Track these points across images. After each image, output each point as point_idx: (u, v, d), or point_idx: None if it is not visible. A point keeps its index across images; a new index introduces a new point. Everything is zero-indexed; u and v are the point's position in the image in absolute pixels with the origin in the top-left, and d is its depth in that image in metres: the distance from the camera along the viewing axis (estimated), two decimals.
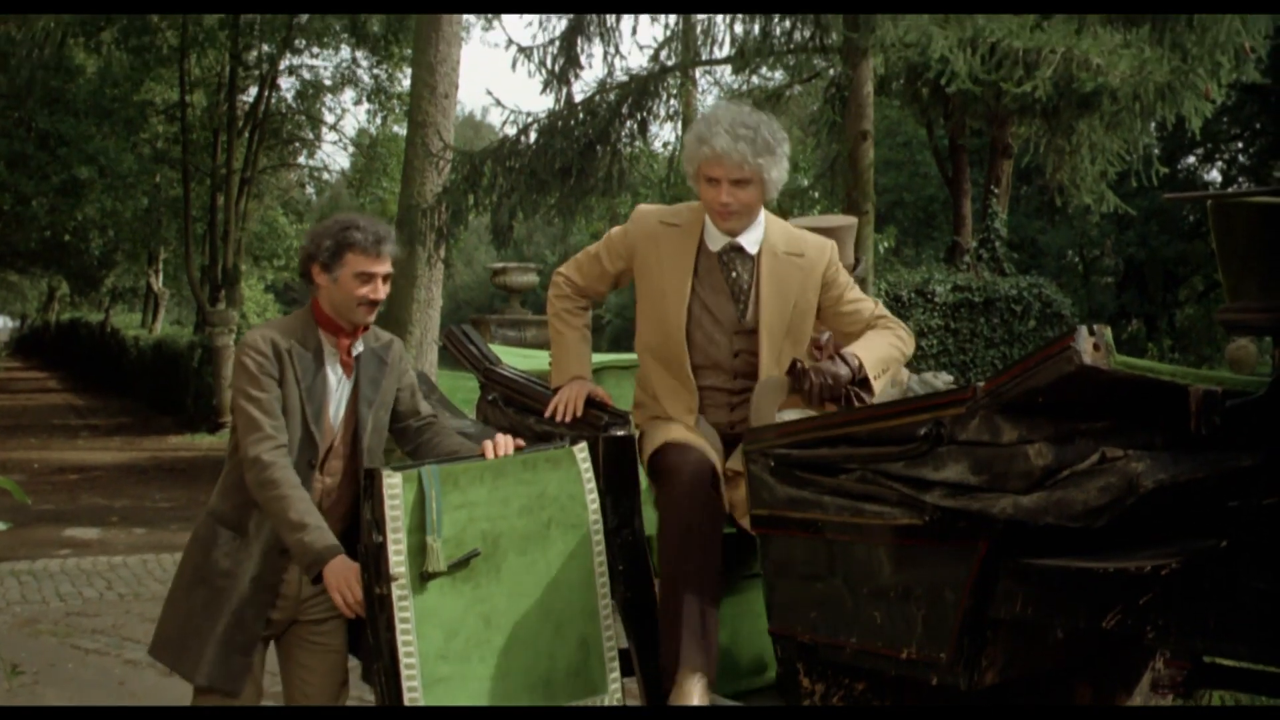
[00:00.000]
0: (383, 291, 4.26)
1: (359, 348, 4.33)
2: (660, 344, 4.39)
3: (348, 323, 4.26)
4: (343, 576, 3.98)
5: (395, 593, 3.79)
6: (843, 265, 4.58)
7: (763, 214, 4.37)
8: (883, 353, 4.26)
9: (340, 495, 4.29)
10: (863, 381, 4.13)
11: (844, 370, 4.11)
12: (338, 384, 4.29)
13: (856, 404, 4.04)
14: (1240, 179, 29.09)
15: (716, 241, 4.34)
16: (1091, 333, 2.80)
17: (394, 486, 3.82)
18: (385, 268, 4.26)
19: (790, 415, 4.10)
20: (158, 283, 40.14)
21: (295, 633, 4.31)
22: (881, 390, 4.28)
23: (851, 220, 5.16)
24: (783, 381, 4.21)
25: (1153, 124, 15.21)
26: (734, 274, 4.35)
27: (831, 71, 14.24)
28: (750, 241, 4.34)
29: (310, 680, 4.31)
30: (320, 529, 4.02)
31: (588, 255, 4.58)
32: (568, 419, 4.40)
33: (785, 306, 4.38)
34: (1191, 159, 30.08)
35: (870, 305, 4.50)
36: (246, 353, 4.15)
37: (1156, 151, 15.72)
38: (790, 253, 4.38)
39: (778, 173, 4.23)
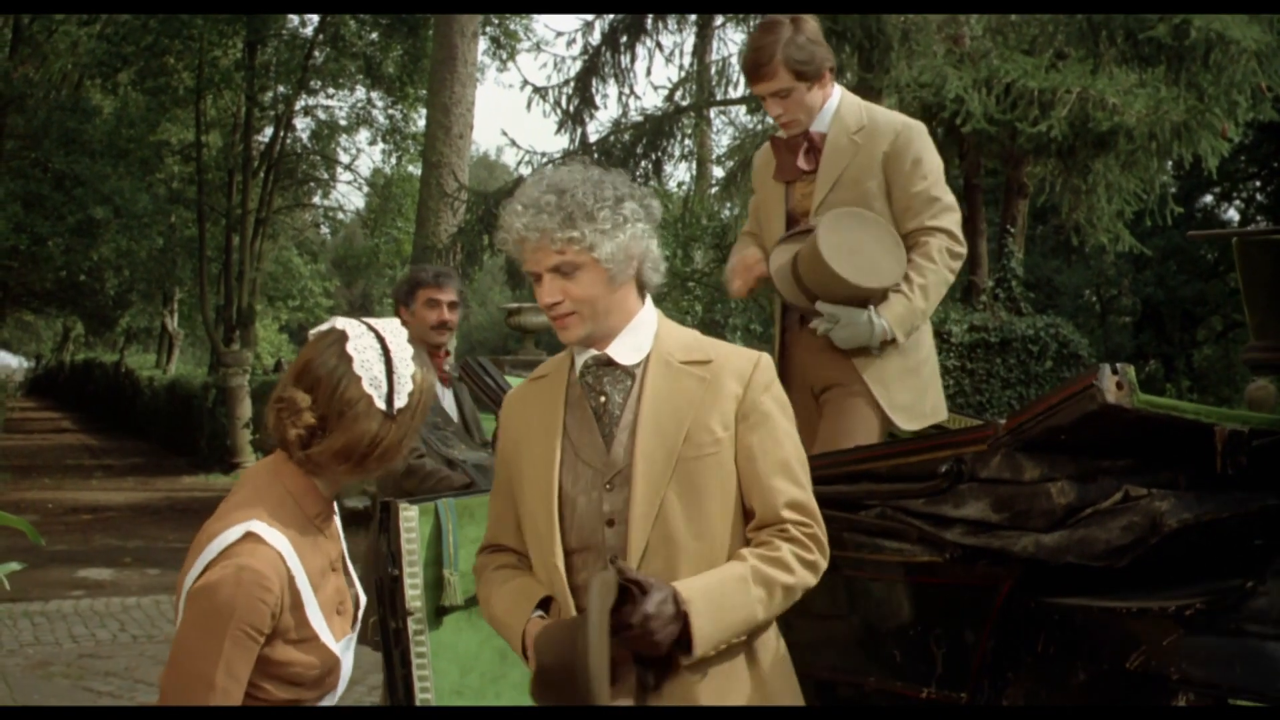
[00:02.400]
0: (449, 315, 5.57)
1: (449, 366, 5.67)
2: (531, 537, 3.00)
3: (431, 346, 5.52)
4: None
5: (411, 627, 3.77)
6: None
7: (649, 314, 2.97)
8: (739, 613, 2.75)
9: None
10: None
11: (664, 632, 2.65)
12: (442, 394, 5.52)
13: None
14: (1258, 218, 29.03)
15: (580, 362, 2.98)
16: (1114, 371, 2.77)
17: (410, 520, 3.81)
18: (448, 296, 5.57)
19: None
20: (172, 323, 40.27)
21: None
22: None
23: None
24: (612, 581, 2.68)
25: (1169, 163, 15.20)
26: (602, 398, 2.92)
27: None
28: (624, 350, 2.92)
29: None
30: None
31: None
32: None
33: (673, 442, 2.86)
34: (1209, 198, 30.04)
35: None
36: None
37: (1173, 191, 15.71)
38: (690, 361, 2.91)
39: (612, 246, 2.81)
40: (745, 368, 2.87)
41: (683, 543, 2.78)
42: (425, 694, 3.77)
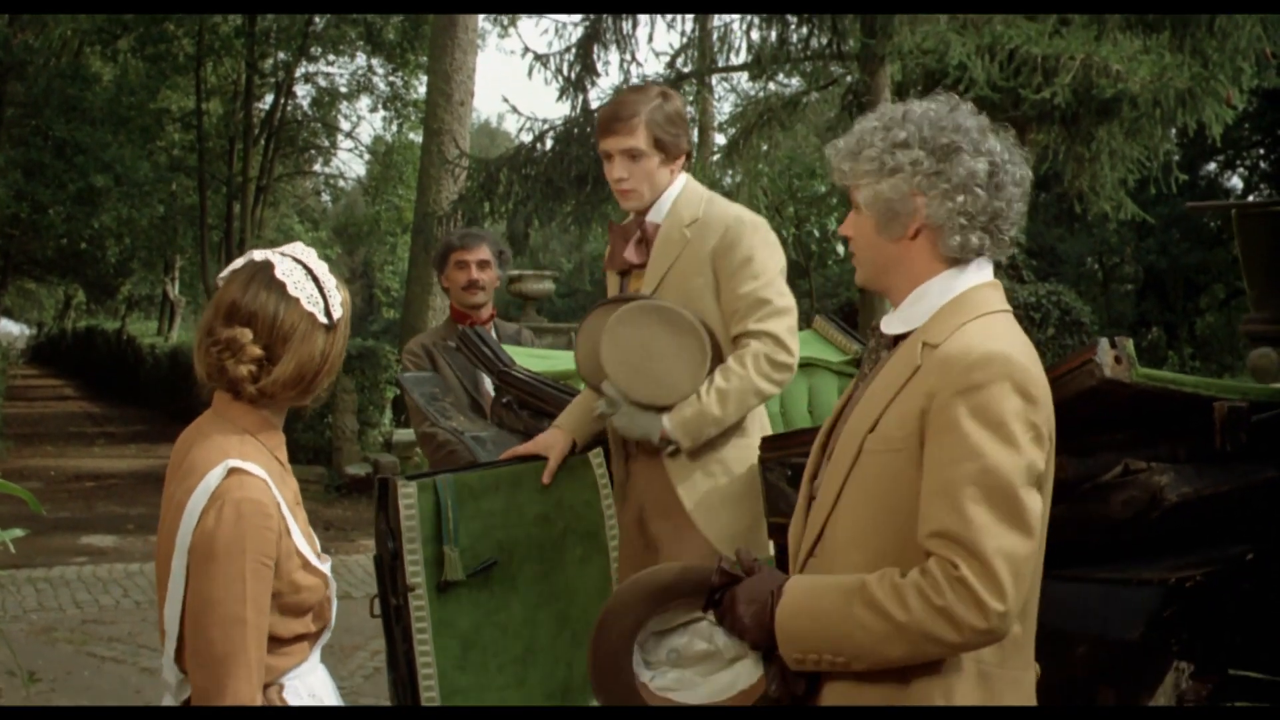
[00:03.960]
0: (478, 275, 5.53)
1: (492, 331, 5.35)
2: None
3: (466, 307, 5.56)
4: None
5: (412, 603, 3.77)
6: None
7: (945, 285, 2.52)
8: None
9: None
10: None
11: (747, 609, 2.47)
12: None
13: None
14: (1262, 186, 28.96)
15: None
16: (1113, 345, 2.75)
17: (409, 496, 3.80)
18: (476, 255, 5.54)
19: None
20: (174, 291, 40.27)
21: None
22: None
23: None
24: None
25: (1173, 130, 15.15)
26: (867, 369, 2.68)
27: (849, 78, 14.22)
28: (894, 319, 2.62)
29: None
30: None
31: None
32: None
33: None
34: (1212, 166, 29.95)
35: None
36: (403, 357, 5.51)
37: (1177, 158, 15.66)
38: (930, 343, 2.52)
39: (870, 192, 2.50)
40: (953, 362, 2.35)
41: (843, 544, 2.46)
42: (427, 669, 3.77)
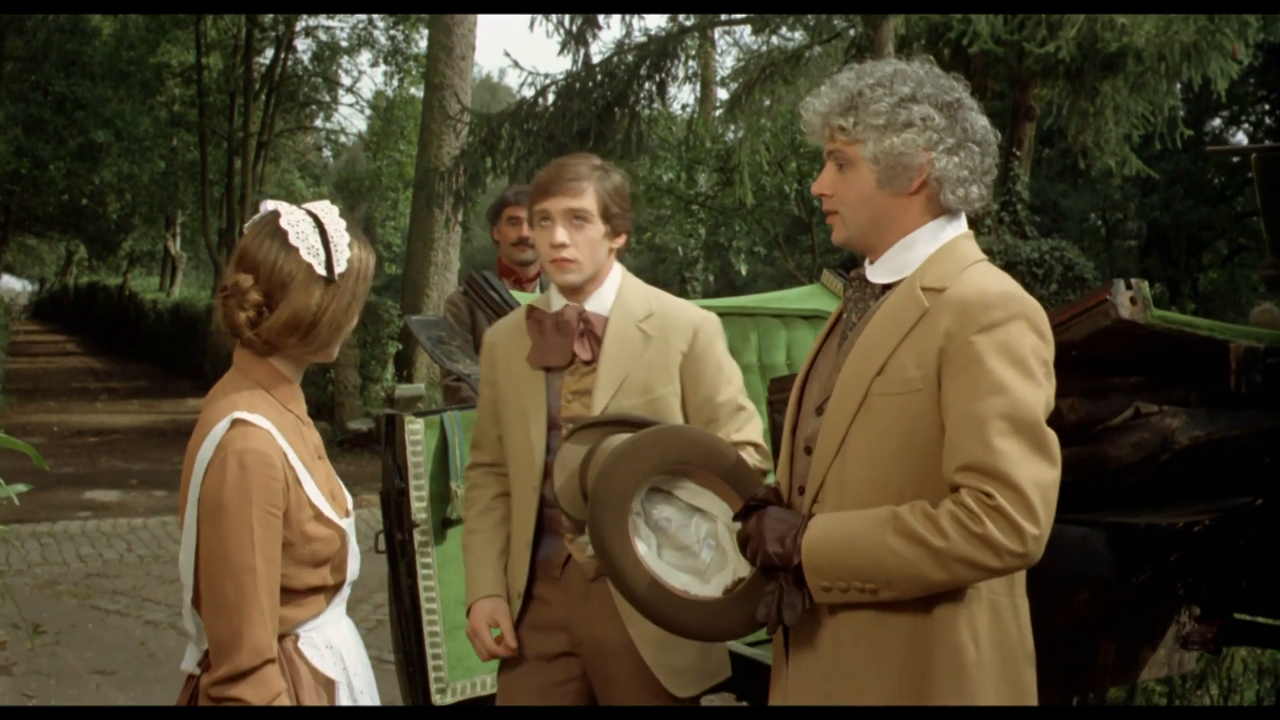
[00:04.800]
0: (528, 232, 4.87)
1: (538, 289, 5.34)
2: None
3: (515, 263, 5.52)
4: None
5: (417, 539, 3.80)
6: None
7: (933, 234, 2.60)
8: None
9: None
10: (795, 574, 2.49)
11: (774, 528, 2.51)
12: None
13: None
14: (1266, 141, 28.81)
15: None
16: (1129, 286, 2.74)
17: (416, 432, 3.84)
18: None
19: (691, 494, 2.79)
20: (175, 246, 40.18)
21: None
22: None
23: None
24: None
25: (1178, 85, 15.07)
26: (854, 317, 2.70)
27: (852, 32, 14.14)
28: (881, 268, 2.66)
29: None
30: None
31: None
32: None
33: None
34: (1217, 121, 29.80)
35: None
36: (444, 306, 5.41)
37: (1181, 113, 15.57)
38: (929, 288, 2.55)
39: (880, 146, 2.56)
40: (970, 302, 2.41)
41: (855, 485, 2.49)
42: (431, 604, 3.80)
